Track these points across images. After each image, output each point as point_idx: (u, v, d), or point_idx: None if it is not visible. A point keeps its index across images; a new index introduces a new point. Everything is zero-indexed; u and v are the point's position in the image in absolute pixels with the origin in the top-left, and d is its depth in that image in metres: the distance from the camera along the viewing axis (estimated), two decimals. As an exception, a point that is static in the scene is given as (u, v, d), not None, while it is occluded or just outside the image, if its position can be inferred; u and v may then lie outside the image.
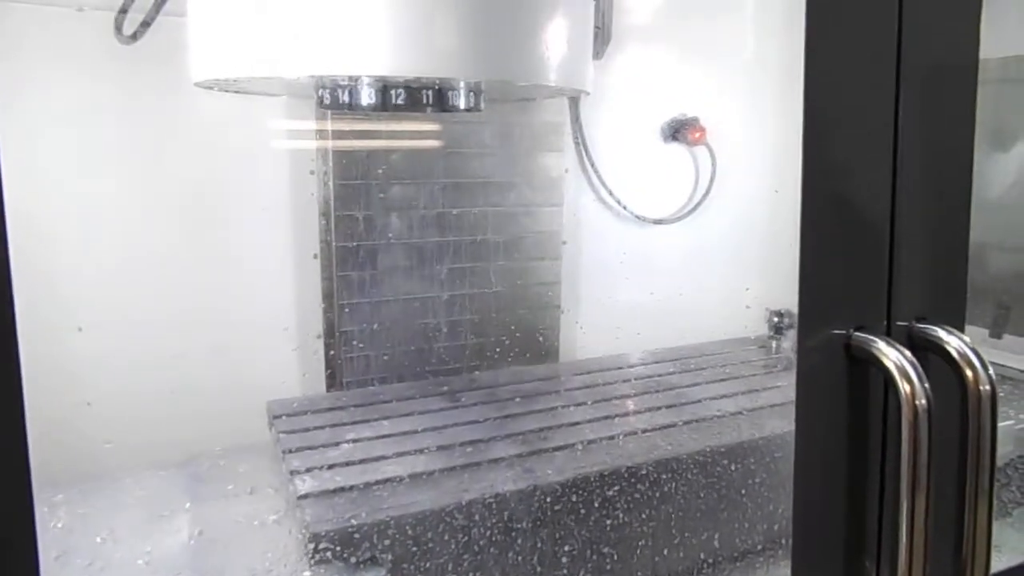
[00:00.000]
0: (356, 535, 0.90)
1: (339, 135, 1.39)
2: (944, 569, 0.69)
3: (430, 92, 0.93)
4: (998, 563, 0.78)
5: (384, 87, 0.91)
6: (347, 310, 1.41)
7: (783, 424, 1.22)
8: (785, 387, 1.39)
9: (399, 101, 0.91)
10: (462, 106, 0.96)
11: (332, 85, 0.92)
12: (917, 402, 0.62)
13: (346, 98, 0.92)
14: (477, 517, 0.96)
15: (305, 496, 0.95)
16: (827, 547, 0.70)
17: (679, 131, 1.60)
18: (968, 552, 0.68)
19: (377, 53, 0.79)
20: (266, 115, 1.35)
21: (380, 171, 1.39)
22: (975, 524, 0.68)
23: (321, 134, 1.40)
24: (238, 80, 0.87)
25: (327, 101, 0.94)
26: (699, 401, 1.32)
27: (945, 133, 0.72)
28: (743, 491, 1.15)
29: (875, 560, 0.71)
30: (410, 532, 0.92)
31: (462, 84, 0.94)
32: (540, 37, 0.86)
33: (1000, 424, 0.70)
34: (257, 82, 0.92)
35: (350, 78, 0.90)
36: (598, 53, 1.47)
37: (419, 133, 1.44)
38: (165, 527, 0.98)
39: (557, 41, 0.87)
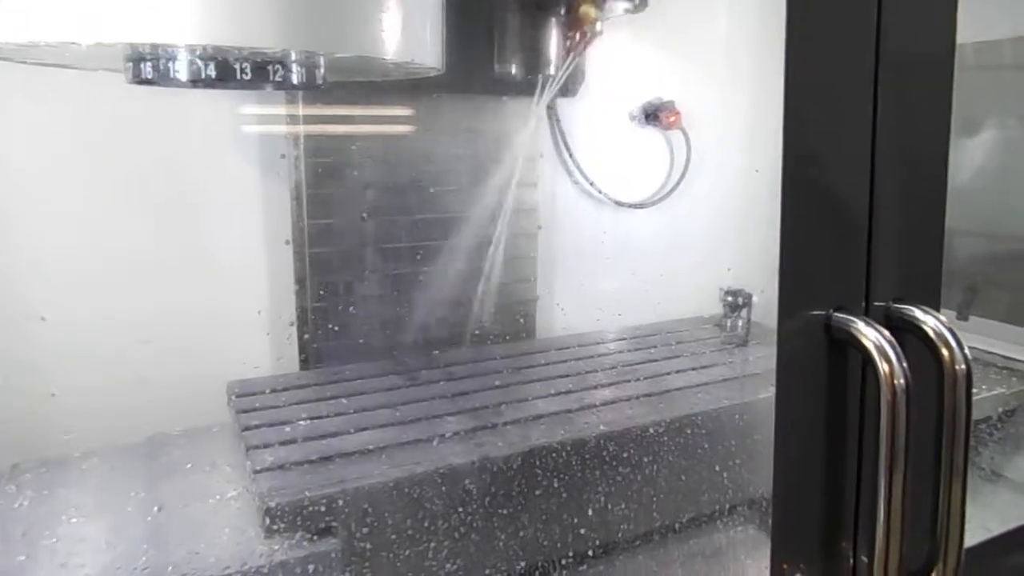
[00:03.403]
0: (310, 508, 0.90)
1: (311, 120, 1.36)
2: (920, 546, 0.70)
3: (247, 65, 0.85)
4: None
5: (193, 59, 0.83)
6: (321, 295, 1.39)
7: (729, 395, 1.25)
8: (734, 363, 1.42)
9: (209, 74, 0.83)
10: (295, 81, 0.88)
11: (137, 57, 0.84)
12: (895, 382, 0.63)
13: (149, 72, 0.84)
14: (431, 489, 0.97)
15: (260, 471, 0.95)
16: (805, 526, 0.71)
17: (654, 115, 1.60)
18: (943, 529, 0.69)
19: (180, 19, 0.72)
20: (235, 97, 1.32)
21: (353, 147, 1.36)
22: (949, 501, 0.69)
23: (292, 119, 1.37)
24: (20, 46, 0.74)
25: (131, 76, 0.84)
26: (650, 377, 1.34)
27: (922, 119, 0.73)
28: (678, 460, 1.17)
29: (852, 540, 0.72)
30: (365, 504, 0.93)
31: (293, 57, 0.88)
32: (369, 5, 0.79)
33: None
34: (44, 51, 0.81)
35: (152, 48, 0.82)
36: (571, 91, 1.42)
37: (391, 118, 1.41)
38: (125, 502, 0.98)
39: (392, 12, 0.81)
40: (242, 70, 0.88)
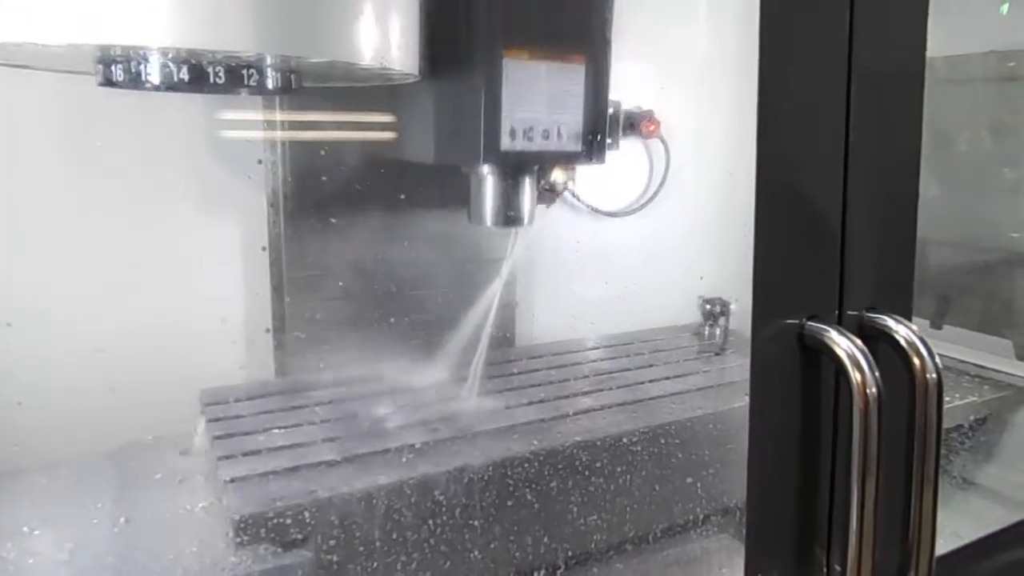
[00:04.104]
0: (281, 519, 0.89)
1: (290, 126, 1.35)
2: (892, 554, 0.70)
3: (220, 69, 0.85)
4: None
5: (165, 63, 0.82)
6: (297, 302, 1.37)
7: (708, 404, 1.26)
8: (712, 371, 1.43)
9: (182, 78, 0.83)
10: (269, 86, 0.89)
11: (109, 59, 0.83)
12: (868, 391, 0.63)
13: (120, 75, 0.83)
14: (401, 498, 0.96)
15: (230, 481, 0.94)
16: (779, 535, 0.71)
17: (634, 124, 1.61)
18: (914, 537, 0.70)
19: (152, 21, 0.71)
20: (211, 101, 1.30)
21: (322, 152, 1.36)
22: (921, 509, 0.69)
23: (270, 124, 1.36)
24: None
25: (101, 79, 0.84)
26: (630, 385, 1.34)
27: (894, 130, 0.74)
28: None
29: (825, 547, 0.72)
30: (336, 515, 0.92)
31: (268, 62, 0.87)
32: (345, 11, 0.79)
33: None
34: (13, 52, 0.80)
35: (123, 50, 0.81)
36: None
37: (370, 124, 1.40)
38: (90, 514, 0.96)
39: (367, 17, 0.81)
40: (215, 74, 0.87)
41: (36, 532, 0.94)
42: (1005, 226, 1.63)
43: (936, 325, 1.63)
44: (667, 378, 1.38)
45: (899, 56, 0.74)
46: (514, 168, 1.14)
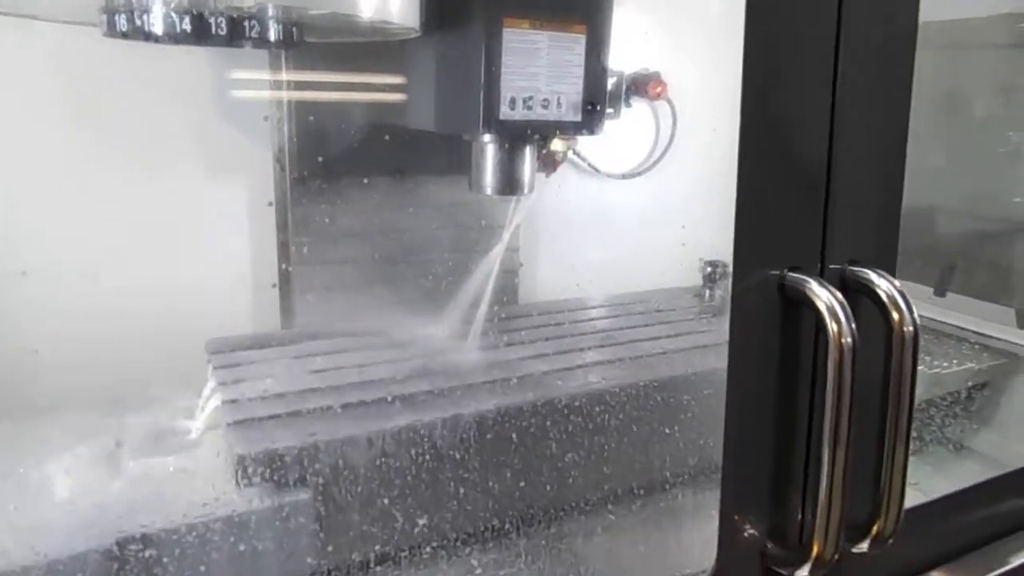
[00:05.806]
0: (282, 458, 0.92)
1: (295, 83, 1.35)
2: (862, 504, 0.72)
3: (223, 20, 0.87)
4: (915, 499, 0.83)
5: (168, 13, 0.85)
6: (302, 256, 1.40)
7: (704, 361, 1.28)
8: (712, 331, 1.45)
9: (184, 28, 0.85)
10: (271, 38, 0.92)
11: (113, 9, 0.86)
12: (843, 340, 0.65)
13: (124, 25, 0.85)
14: (401, 443, 1.00)
15: (232, 424, 0.97)
16: (756, 481, 0.73)
17: (640, 86, 1.60)
18: (885, 488, 0.72)
19: None
20: (218, 59, 1.31)
21: (326, 110, 1.37)
22: (893, 461, 0.71)
23: (276, 83, 1.37)
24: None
25: (105, 28, 0.87)
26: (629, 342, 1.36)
27: (883, 84, 0.74)
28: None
29: (801, 493, 0.74)
30: (336, 456, 0.96)
31: (270, 13, 0.90)
32: None
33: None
34: (16, 1, 0.84)
35: (127, 0, 0.84)
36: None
37: (378, 86, 1.41)
38: (97, 453, 1.00)
39: None
40: (217, 25, 0.89)
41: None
42: (1011, 194, 1.61)
43: (940, 292, 1.62)
44: (661, 337, 1.40)
45: (891, 13, 0.73)
46: (514, 137, 1.15)
